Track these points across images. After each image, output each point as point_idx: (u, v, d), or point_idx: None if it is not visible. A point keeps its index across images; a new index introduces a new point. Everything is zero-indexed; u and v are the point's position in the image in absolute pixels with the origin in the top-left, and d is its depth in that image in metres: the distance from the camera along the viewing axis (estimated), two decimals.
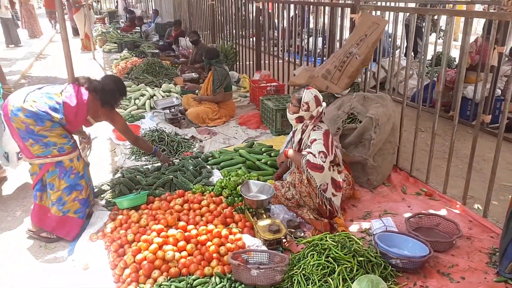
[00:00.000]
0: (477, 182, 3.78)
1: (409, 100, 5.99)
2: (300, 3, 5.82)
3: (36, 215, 2.94)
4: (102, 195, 3.44)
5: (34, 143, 2.73)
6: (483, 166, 4.11)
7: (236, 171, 3.69)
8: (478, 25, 12.36)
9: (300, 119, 3.04)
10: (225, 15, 8.72)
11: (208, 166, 3.84)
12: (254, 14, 7.12)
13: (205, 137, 4.79)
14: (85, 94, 2.94)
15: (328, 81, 3.94)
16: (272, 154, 3.97)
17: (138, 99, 5.90)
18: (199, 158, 3.97)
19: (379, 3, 7.37)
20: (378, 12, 4.01)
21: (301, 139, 3.05)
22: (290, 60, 6.40)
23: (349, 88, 4.05)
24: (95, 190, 3.50)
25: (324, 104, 3.03)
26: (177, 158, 4.10)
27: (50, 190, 2.87)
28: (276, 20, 7.85)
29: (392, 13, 5.12)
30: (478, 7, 6.72)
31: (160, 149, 4.20)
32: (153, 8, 17.10)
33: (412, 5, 7.02)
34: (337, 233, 2.51)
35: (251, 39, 7.89)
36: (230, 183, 3.30)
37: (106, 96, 3.00)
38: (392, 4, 7.27)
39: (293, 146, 3.13)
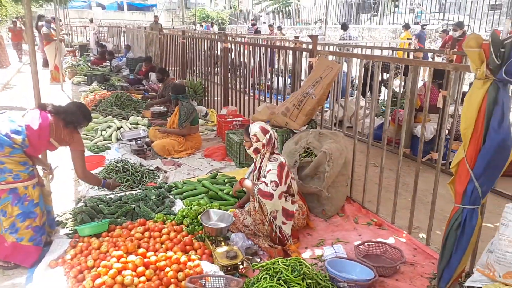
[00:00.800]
0: (423, 213, 4.06)
1: (365, 137, 6.37)
2: (265, 46, 6.20)
3: None
4: (64, 224, 3.48)
5: None
6: (430, 199, 4.42)
7: (199, 201, 3.83)
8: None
9: (256, 150, 3.34)
10: (195, 53, 9.05)
11: (171, 196, 3.96)
12: (222, 53, 7.46)
13: (170, 168, 4.92)
14: (47, 117, 3.03)
15: (287, 118, 4.22)
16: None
17: (104, 130, 5.99)
18: (162, 188, 4.09)
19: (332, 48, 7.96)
20: (333, 57, 4.38)
21: (260, 167, 3.32)
22: (257, 97, 6.72)
23: (307, 125, 4.33)
24: (57, 218, 3.54)
25: (271, 131, 3.33)
26: (140, 188, 4.20)
27: (2, 217, 2.86)
28: (245, 59, 8.25)
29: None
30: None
31: (124, 179, 4.30)
32: (125, 43, 17.38)
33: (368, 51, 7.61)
34: (289, 258, 2.68)
35: (220, 76, 8.24)
36: (191, 212, 3.43)
37: (68, 117, 3.09)
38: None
39: (255, 174, 3.38)
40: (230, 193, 3.99)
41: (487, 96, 2.46)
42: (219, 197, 4.00)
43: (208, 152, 5.43)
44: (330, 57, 4.39)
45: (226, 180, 4.28)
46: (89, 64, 12.95)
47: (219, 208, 3.64)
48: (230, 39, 7.36)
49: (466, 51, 2.54)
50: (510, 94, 2.54)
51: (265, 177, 3.10)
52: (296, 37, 8.17)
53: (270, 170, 3.13)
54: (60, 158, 4.23)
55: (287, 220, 3.17)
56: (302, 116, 4.16)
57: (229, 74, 9.21)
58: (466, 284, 2.54)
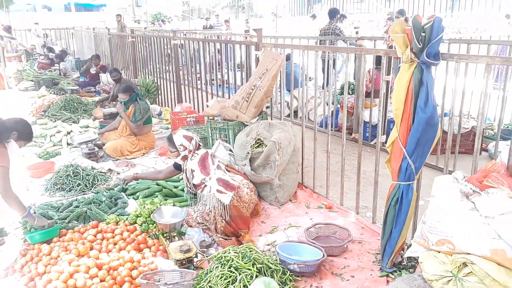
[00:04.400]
0: (371, 194, 4.25)
1: (318, 126, 6.55)
2: (212, 41, 6.22)
3: None
4: (13, 234, 3.39)
5: None
6: (378, 180, 4.65)
7: (152, 199, 3.83)
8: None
9: (184, 157, 3.59)
10: (146, 51, 8.92)
11: (124, 197, 3.94)
12: (173, 50, 7.41)
13: (123, 169, 4.87)
14: None
15: (238, 111, 4.29)
16: None
17: (54, 135, 5.83)
18: (114, 190, 4.06)
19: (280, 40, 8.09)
20: (278, 49, 4.48)
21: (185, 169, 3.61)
22: (213, 92, 6.74)
23: (257, 117, 4.42)
24: (4, 228, 3.44)
25: (194, 136, 3.63)
26: (92, 192, 4.15)
27: None
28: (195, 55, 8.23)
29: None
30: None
31: (75, 184, 4.22)
32: (74, 45, 16.81)
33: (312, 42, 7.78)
34: (240, 246, 2.76)
35: (173, 73, 8.19)
36: (145, 211, 3.44)
37: None
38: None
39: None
40: (185, 189, 4.02)
41: (413, 78, 2.63)
42: (173, 194, 4.02)
43: (163, 150, 5.41)
44: (274, 50, 4.48)
45: (181, 177, 4.30)
46: (36, 69, 12.42)
47: (173, 205, 3.67)
48: (181, 35, 7.31)
49: (392, 36, 2.70)
50: (433, 75, 2.71)
51: (192, 177, 3.44)
52: (246, 31, 8.24)
53: (193, 170, 3.47)
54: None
55: (226, 190, 3.28)
56: (252, 108, 4.24)
57: (181, 71, 9.20)
58: (405, 255, 2.73)
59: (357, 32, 9.68)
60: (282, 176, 3.91)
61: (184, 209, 3.30)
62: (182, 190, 4.02)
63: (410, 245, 3.01)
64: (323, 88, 8.36)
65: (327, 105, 6.79)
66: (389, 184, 2.74)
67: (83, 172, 4.33)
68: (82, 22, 22.78)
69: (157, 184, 4.13)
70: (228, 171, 3.55)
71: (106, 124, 6.26)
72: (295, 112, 7.10)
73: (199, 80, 8.61)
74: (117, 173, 4.76)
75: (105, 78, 9.89)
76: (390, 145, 2.84)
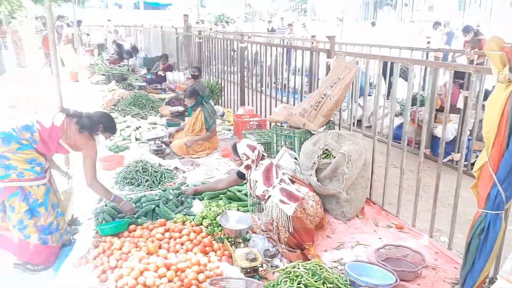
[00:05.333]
0: (445, 216, 3.99)
1: (385, 138, 6.30)
2: (281, 46, 6.18)
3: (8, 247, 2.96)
4: (86, 224, 3.55)
5: None
6: (451, 201, 4.35)
7: (217, 201, 3.85)
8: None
9: (247, 167, 3.56)
10: (211, 52, 9.08)
11: (190, 197, 3.99)
12: (239, 53, 7.47)
13: (188, 168, 4.95)
14: (61, 117, 3.07)
15: (305, 119, 4.20)
16: None
17: (124, 130, 6.07)
18: (181, 188, 4.12)
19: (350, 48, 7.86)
20: (351, 58, 4.35)
21: (249, 179, 3.57)
22: (273, 96, 6.71)
23: (325, 126, 4.31)
24: (78, 218, 3.61)
25: (258, 146, 3.56)
26: (159, 189, 4.25)
27: (11, 213, 2.85)
28: (260, 58, 8.26)
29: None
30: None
31: (144, 180, 4.35)
32: (142, 42, 17.58)
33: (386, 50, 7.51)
34: (309, 262, 2.67)
35: (235, 74, 8.28)
36: (210, 214, 3.46)
37: (83, 122, 3.10)
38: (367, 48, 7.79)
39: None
40: (249, 198, 4.00)
41: (509, 99, 2.41)
42: (237, 198, 4.01)
43: (226, 152, 5.45)
44: (347, 58, 4.35)
45: (244, 181, 4.28)
46: (107, 63, 13.11)
47: (237, 209, 3.66)
48: (247, 38, 7.35)
49: (488, 54, 2.49)
50: None
51: (256, 187, 3.41)
52: (313, 36, 8.12)
53: (256, 181, 3.43)
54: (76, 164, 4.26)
55: (290, 201, 3.19)
56: (320, 117, 4.14)
57: (245, 73, 9.27)
58: None
59: (428, 42, 9.24)
60: (350, 190, 3.76)
61: (249, 215, 3.27)
62: (246, 194, 4.00)
63: (493, 278, 2.79)
64: (387, 98, 8.07)
65: (398, 116, 6.55)
66: (466, 207, 2.55)
67: (151, 169, 4.46)
68: (150, 20, 23.80)
69: None
70: (293, 182, 3.47)
71: (173, 122, 6.44)
72: (359, 122, 6.88)
73: (259, 82, 8.65)
74: (183, 172, 4.85)
75: (171, 76, 10.21)
76: (478, 170, 2.62)
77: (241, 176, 3.67)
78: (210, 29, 13.80)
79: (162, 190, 4.04)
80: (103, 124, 3.25)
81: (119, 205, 3.47)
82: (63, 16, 15.32)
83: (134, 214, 3.53)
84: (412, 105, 6.69)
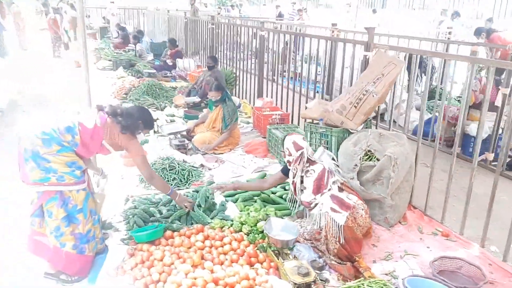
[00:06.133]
0: (491, 222, 3.82)
1: (410, 133, 6.08)
2: (316, 37, 5.87)
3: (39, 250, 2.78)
4: (116, 228, 3.33)
5: (35, 166, 2.59)
6: (494, 206, 4.17)
7: (252, 204, 3.64)
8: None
9: (289, 163, 3.33)
10: (224, 40, 8.76)
11: (223, 198, 3.78)
12: (257, 42, 7.16)
13: (213, 165, 4.73)
14: (103, 117, 2.86)
15: (343, 116, 3.97)
16: (287, 188, 3.94)
17: None
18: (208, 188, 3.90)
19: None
20: (393, 52, 4.10)
21: (294, 182, 3.29)
22: (285, 86, 6.44)
23: (362, 125, 4.08)
24: (108, 221, 3.39)
25: (305, 149, 3.26)
26: (187, 187, 4.04)
27: (48, 218, 2.69)
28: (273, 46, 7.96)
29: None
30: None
31: (171, 178, 4.13)
32: (145, 26, 17.10)
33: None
34: (374, 280, 2.48)
35: (248, 62, 8.01)
36: (250, 219, 3.25)
37: (126, 121, 2.89)
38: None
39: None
40: (284, 196, 3.80)
41: None
42: (271, 200, 3.80)
43: (250, 148, 5.22)
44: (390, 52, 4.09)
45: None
46: (112, 48, 12.72)
47: (275, 214, 3.46)
48: (267, 26, 7.06)
49: None
50: None
51: (302, 192, 3.18)
52: (333, 25, 7.81)
53: (306, 188, 3.18)
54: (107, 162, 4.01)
55: (341, 209, 3.00)
56: (360, 115, 3.90)
57: (255, 61, 8.97)
58: None
59: (449, 33, 8.96)
60: (395, 195, 3.57)
61: (296, 224, 3.07)
62: (281, 197, 3.80)
63: None
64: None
65: (432, 114, 6.31)
66: (503, 211, 2.35)
67: (178, 167, 4.23)
68: (149, 2, 23.15)
69: None
70: (342, 189, 3.23)
71: (191, 114, 6.19)
72: (381, 115, 6.66)
73: (270, 71, 8.34)
74: (208, 169, 4.63)
75: (181, 63, 9.89)
76: None
77: (286, 173, 3.44)
78: (219, 13, 13.42)
79: (194, 191, 3.81)
80: (143, 120, 3.04)
81: (175, 200, 3.36)
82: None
83: (193, 208, 3.42)
84: (429, 99, 6.47)
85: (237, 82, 8.16)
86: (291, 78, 8.07)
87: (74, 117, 2.76)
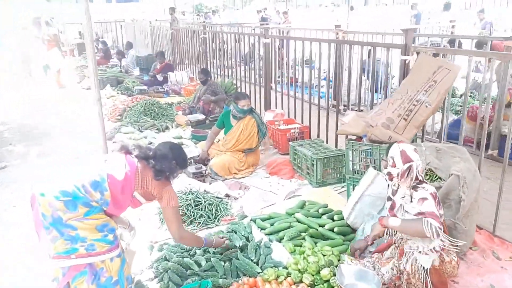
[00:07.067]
0: None
1: (435, 137, 5.68)
2: (329, 41, 5.42)
3: None
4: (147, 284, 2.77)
5: (58, 236, 2.05)
6: None
7: (301, 243, 3.13)
8: None
9: (389, 176, 2.67)
10: (218, 49, 8.24)
11: (264, 236, 3.24)
12: (263, 50, 6.66)
13: (239, 194, 4.18)
14: (133, 162, 2.32)
15: (391, 131, 3.50)
16: (335, 218, 3.43)
17: None
18: (248, 226, 3.37)
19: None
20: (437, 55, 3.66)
21: (394, 203, 2.67)
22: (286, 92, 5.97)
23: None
24: (136, 277, 2.82)
25: (416, 162, 2.59)
26: (217, 225, 3.50)
27: None
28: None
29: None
30: None
31: (197, 215, 3.58)
32: (125, 39, 16.37)
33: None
34: None
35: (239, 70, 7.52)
36: (311, 266, 2.73)
37: (160, 164, 2.37)
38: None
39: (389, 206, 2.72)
40: (336, 229, 3.29)
41: None
42: (321, 235, 3.28)
43: (274, 169, 4.69)
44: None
45: (320, 211, 3.57)
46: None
47: (332, 252, 2.95)
48: (270, 33, 6.57)
49: None
50: None
51: (422, 213, 2.46)
52: (337, 26, 7.39)
53: (424, 198, 2.50)
54: None
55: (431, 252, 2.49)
56: (412, 129, 3.45)
57: (245, 67, 8.48)
58: None
59: (453, 27, 8.66)
60: (465, 218, 3.10)
61: (374, 273, 2.55)
62: (331, 230, 3.29)
63: None
64: None
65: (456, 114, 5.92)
66: None
67: (205, 201, 3.67)
68: (124, 13, 22.29)
69: (298, 221, 3.41)
70: None
71: (200, 135, 5.64)
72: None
73: (261, 77, 7.81)
74: (234, 198, 4.08)
75: (173, 77, 9.31)
76: None
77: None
78: (204, 21, 12.86)
79: (229, 231, 3.26)
80: (177, 160, 2.51)
81: (213, 246, 2.92)
82: (38, 17, 13.94)
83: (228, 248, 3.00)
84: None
85: None
86: (285, 83, 7.63)
87: (100, 166, 2.19)
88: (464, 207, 3.03)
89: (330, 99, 6.96)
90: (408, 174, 2.58)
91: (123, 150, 2.38)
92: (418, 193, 2.55)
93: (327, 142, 5.00)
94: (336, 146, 4.93)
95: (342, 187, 4.33)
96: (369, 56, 6.96)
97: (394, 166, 2.63)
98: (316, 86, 7.64)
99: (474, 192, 3.09)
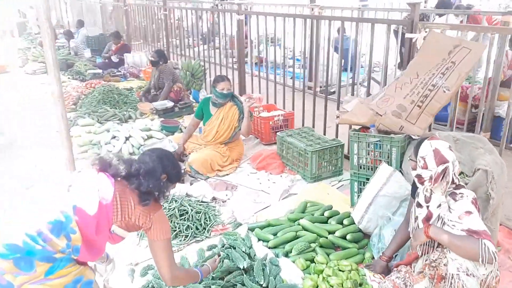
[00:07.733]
0: None
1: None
2: (342, 19, 4.91)
3: None
4: None
5: None
6: None
7: (313, 257, 2.67)
8: None
9: (419, 179, 2.26)
10: (185, 27, 7.50)
11: (269, 251, 2.75)
12: (234, 29, 6.04)
13: (226, 195, 3.65)
14: (109, 185, 1.72)
15: (403, 120, 3.08)
16: (345, 222, 3.00)
17: (110, 143, 4.51)
18: (246, 239, 2.86)
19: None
20: (453, 32, 3.26)
21: (430, 213, 2.23)
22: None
23: None
24: None
25: (450, 164, 2.19)
26: (208, 237, 2.96)
27: None
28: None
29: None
30: None
31: (184, 228, 3.01)
32: (70, 17, 14.97)
33: None
34: None
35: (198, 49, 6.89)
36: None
37: (146, 184, 1.79)
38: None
39: (414, 215, 2.33)
40: (348, 236, 2.86)
41: None
42: (331, 244, 2.84)
43: (261, 163, 4.18)
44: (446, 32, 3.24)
45: (326, 214, 3.12)
46: (40, 47, 10.75)
47: (351, 267, 2.52)
48: (243, 8, 5.92)
49: None
50: None
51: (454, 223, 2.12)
52: (312, 1, 6.87)
53: (469, 212, 2.10)
54: None
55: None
56: (427, 117, 3.05)
57: (203, 46, 7.84)
58: None
59: (425, 1, 8.39)
60: (492, 217, 2.77)
61: None
62: (343, 237, 2.86)
63: None
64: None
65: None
66: None
67: (191, 210, 3.10)
68: None
69: (304, 228, 2.94)
70: None
71: (171, 126, 4.99)
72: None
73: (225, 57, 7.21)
74: (222, 201, 3.54)
75: (130, 59, 8.44)
76: None
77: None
78: None
79: (229, 247, 2.73)
80: (168, 173, 1.93)
81: (208, 273, 2.34)
82: None
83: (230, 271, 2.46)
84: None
85: (206, 77, 7.00)
86: (255, 64, 7.10)
87: (62, 197, 1.57)
88: (493, 206, 2.69)
89: (297, 80, 6.45)
90: (443, 177, 2.18)
91: (95, 166, 1.76)
92: (459, 204, 2.16)
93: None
94: (324, 134, 4.50)
95: (339, 181, 3.92)
96: (338, 33, 6.56)
97: (425, 167, 2.22)
98: (290, 67, 7.19)
99: (502, 188, 2.76)
